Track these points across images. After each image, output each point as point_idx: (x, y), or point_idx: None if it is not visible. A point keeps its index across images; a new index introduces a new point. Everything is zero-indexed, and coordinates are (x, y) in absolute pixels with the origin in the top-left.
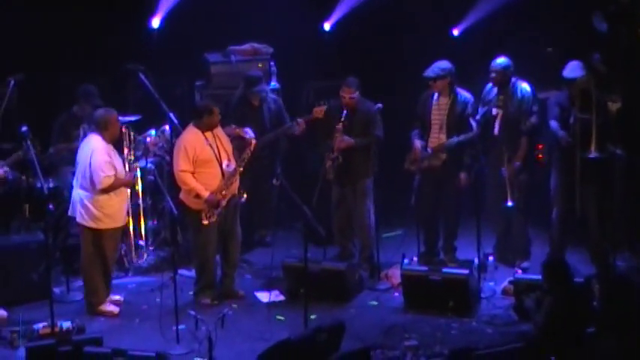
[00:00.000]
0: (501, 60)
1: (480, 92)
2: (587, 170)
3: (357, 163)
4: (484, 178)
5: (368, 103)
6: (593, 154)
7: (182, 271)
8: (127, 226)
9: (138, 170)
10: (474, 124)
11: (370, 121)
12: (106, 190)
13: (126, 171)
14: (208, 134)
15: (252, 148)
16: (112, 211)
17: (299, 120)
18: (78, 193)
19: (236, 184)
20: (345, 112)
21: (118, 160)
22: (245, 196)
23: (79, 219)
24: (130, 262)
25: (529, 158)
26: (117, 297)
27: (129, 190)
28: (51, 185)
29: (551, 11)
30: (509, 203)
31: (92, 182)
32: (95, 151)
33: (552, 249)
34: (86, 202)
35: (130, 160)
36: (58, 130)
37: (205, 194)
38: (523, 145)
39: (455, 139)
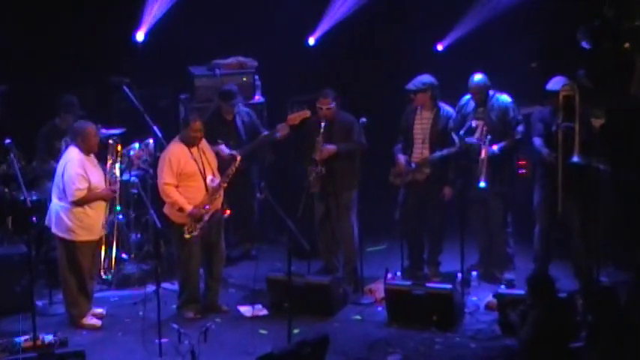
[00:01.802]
0: (478, 78)
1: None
2: (570, 181)
3: (341, 173)
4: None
5: (345, 114)
6: (576, 158)
7: (165, 285)
8: (111, 238)
9: (118, 184)
10: (456, 138)
11: (350, 129)
12: (79, 203)
13: (106, 184)
14: (194, 149)
15: (236, 164)
16: (87, 224)
17: (281, 124)
18: (55, 203)
19: (220, 199)
20: (323, 123)
21: (94, 173)
22: (228, 212)
23: (53, 229)
24: (112, 275)
25: (510, 173)
26: (99, 310)
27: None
28: (34, 198)
29: (535, 26)
30: (482, 183)
31: (65, 194)
32: (69, 163)
33: (536, 264)
34: (61, 213)
35: (113, 173)
36: (41, 143)
37: (188, 208)
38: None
39: (438, 154)
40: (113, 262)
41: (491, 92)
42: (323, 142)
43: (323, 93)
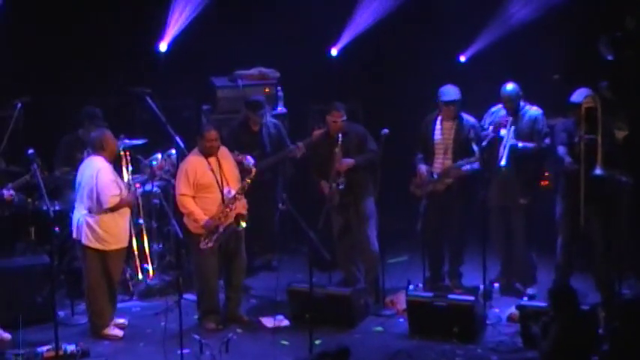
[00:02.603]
0: (510, 87)
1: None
2: (592, 193)
3: (358, 183)
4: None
5: (355, 125)
6: (598, 171)
7: (187, 295)
8: (131, 249)
9: (138, 191)
10: (476, 149)
11: (364, 139)
12: (112, 210)
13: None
14: (212, 159)
15: (252, 176)
16: (118, 232)
17: (299, 144)
18: (82, 215)
19: (234, 211)
20: (340, 135)
21: (120, 181)
22: (244, 224)
23: (85, 241)
24: (134, 286)
25: (533, 183)
26: (121, 320)
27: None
28: (57, 208)
29: (557, 38)
30: (503, 161)
31: (99, 202)
32: (101, 171)
33: (557, 276)
34: (92, 223)
35: (129, 182)
36: (62, 152)
37: (203, 219)
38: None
39: (461, 163)
40: (139, 272)
41: (522, 103)
42: (341, 155)
43: (335, 106)
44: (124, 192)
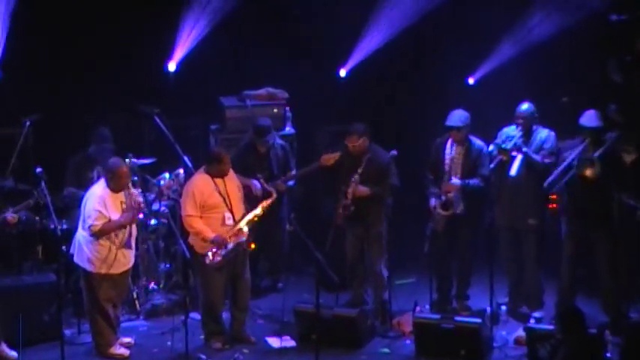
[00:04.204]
0: (525, 106)
1: (493, 139)
2: (599, 216)
3: (371, 211)
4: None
5: (381, 152)
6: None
7: (194, 315)
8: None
9: (139, 202)
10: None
11: (386, 171)
12: (97, 236)
13: (126, 207)
14: (218, 180)
15: (273, 200)
16: (106, 257)
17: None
18: (79, 233)
19: (245, 233)
20: (364, 164)
21: (115, 212)
22: (253, 245)
23: (75, 259)
24: (141, 305)
25: (541, 208)
26: (127, 339)
27: (134, 233)
28: (64, 227)
29: (566, 61)
30: (513, 171)
31: (84, 226)
32: (90, 198)
33: (560, 296)
34: (82, 243)
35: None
36: (71, 172)
37: (211, 235)
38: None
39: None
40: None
41: (534, 126)
42: (359, 182)
43: (350, 130)
44: (114, 215)
